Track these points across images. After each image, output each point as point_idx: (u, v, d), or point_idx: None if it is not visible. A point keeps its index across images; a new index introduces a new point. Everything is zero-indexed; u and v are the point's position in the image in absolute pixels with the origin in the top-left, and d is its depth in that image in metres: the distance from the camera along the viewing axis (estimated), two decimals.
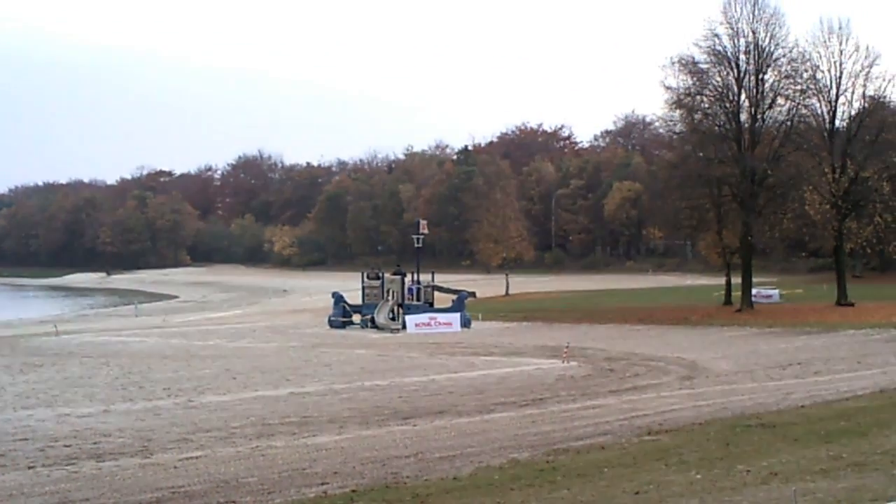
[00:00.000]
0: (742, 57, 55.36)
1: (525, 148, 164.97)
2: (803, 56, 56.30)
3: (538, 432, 18.30)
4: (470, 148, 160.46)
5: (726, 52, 55.58)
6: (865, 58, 56.48)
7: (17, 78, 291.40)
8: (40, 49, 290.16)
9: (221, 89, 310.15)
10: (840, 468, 13.06)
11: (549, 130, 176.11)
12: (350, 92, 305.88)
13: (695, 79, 56.92)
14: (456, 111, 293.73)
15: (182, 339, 46.56)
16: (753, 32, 55.02)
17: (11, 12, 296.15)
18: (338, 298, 55.73)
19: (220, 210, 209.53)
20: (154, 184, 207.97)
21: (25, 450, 17.79)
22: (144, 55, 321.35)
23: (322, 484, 14.10)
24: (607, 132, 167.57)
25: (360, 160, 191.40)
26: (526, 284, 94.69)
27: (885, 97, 58.50)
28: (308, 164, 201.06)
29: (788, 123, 56.65)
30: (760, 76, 55.35)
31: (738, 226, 56.12)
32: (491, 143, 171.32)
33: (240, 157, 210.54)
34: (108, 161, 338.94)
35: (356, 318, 54.15)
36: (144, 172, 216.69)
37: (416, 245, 58.85)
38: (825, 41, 56.54)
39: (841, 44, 56.48)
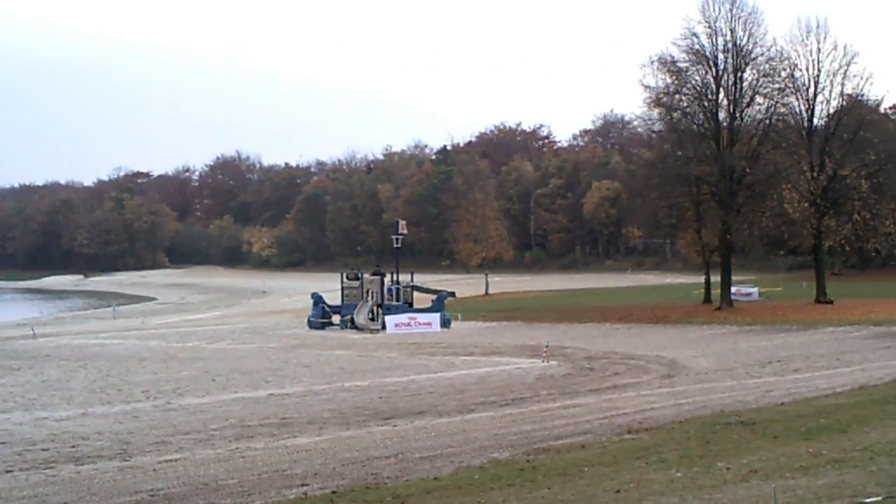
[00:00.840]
0: (720, 56, 55.53)
1: (504, 147, 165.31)
2: (781, 55, 56.70)
3: (518, 432, 18.29)
4: (449, 148, 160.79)
5: (705, 51, 55.74)
6: (843, 56, 57.05)
7: None
8: (16, 49, 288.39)
9: (199, 89, 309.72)
10: (820, 465, 13.12)
11: (527, 130, 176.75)
12: (329, 92, 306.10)
13: (673, 78, 56.99)
14: (435, 111, 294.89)
15: (161, 341, 46.34)
16: (732, 31, 55.19)
17: None
18: (317, 299, 55.65)
19: (198, 211, 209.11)
20: (131, 185, 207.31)
21: (3, 454, 17.67)
22: (121, 55, 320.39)
23: (302, 485, 14.07)
24: (586, 131, 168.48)
25: (339, 160, 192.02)
26: (505, 284, 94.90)
27: (862, 95, 59.02)
28: (286, 164, 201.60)
29: (767, 122, 56.78)
30: (739, 75, 55.45)
31: (717, 224, 56.17)
32: (470, 142, 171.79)
33: (218, 158, 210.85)
34: (84, 162, 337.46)
35: (335, 318, 54.04)
36: (122, 174, 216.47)
37: (395, 245, 58.89)
38: (803, 40, 57.13)
39: (819, 42, 57.06)
